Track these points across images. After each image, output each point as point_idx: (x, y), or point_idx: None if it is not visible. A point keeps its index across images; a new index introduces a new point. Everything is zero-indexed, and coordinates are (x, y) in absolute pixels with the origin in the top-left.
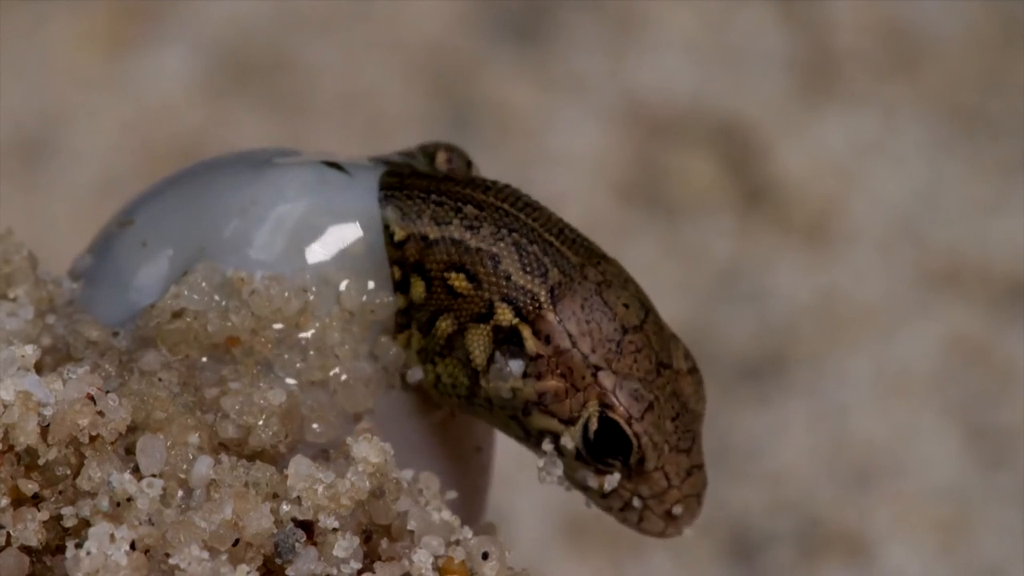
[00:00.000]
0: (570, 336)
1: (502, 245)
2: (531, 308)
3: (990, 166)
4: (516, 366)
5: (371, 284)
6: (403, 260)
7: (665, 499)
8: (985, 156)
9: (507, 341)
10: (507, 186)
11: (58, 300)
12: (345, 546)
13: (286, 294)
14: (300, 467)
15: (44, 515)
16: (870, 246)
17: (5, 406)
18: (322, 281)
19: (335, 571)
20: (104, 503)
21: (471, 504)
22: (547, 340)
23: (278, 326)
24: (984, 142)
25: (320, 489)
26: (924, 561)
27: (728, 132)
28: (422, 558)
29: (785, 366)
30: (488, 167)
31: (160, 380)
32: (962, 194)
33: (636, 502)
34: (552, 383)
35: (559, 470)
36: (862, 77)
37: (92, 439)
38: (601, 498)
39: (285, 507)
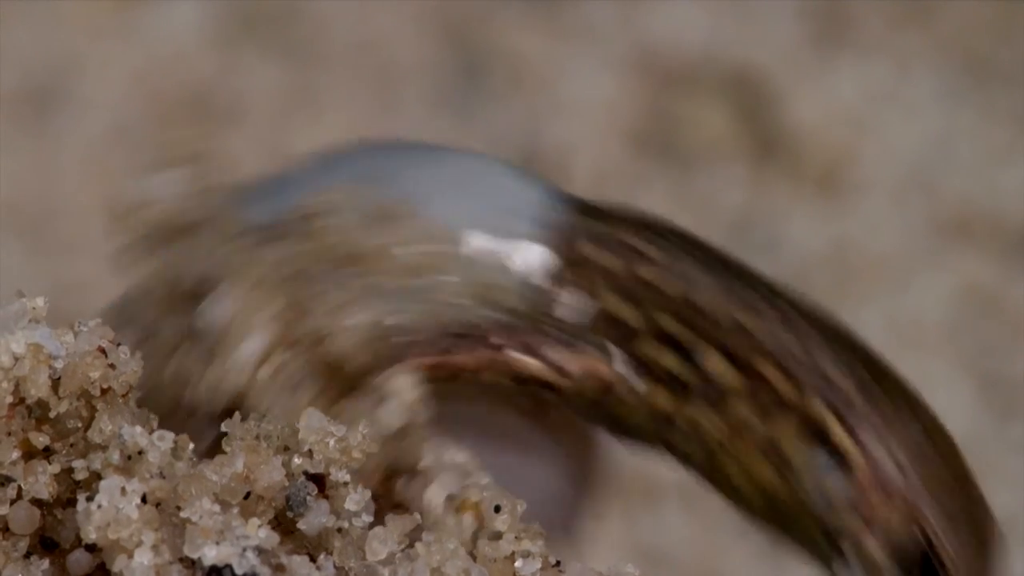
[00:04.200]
0: (880, 435)
1: (826, 354)
2: (846, 409)
3: (1004, 115)
4: (827, 466)
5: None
6: (712, 337)
7: None
8: (999, 105)
9: (818, 440)
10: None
11: None
12: (356, 499)
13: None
14: (312, 420)
15: (55, 468)
16: (883, 196)
17: (16, 359)
18: (466, 250)
19: (346, 524)
20: (115, 456)
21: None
22: (861, 445)
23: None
24: (998, 91)
25: (332, 442)
26: None
27: (740, 81)
28: (435, 495)
29: None
30: (499, 117)
31: None
32: (975, 143)
33: None
34: (864, 487)
35: None
36: (875, 26)
37: (103, 392)
38: None
39: (297, 460)
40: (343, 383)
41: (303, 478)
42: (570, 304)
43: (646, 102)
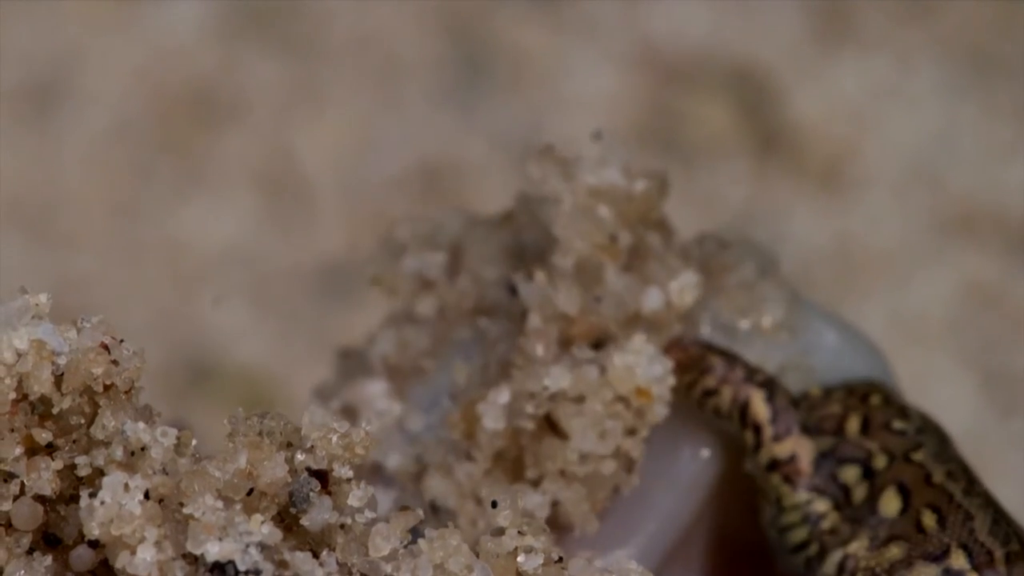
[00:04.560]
0: None
1: (980, 513)
2: (984, 559)
3: (1005, 110)
4: None
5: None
6: (894, 472)
7: None
8: (1001, 101)
9: None
10: None
11: None
12: (359, 495)
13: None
14: (315, 416)
15: (58, 464)
16: (885, 191)
17: (19, 355)
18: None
19: (349, 520)
20: (118, 452)
21: None
22: None
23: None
24: (999, 86)
25: (335, 439)
26: None
27: (743, 77)
28: None
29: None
30: (501, 111)
31: None
32: (977, 138)
33: None
34: None
35: None
36: (877, 21)
37: (106, 388)
38: None
39: (300, 456)
40: None
41: (306, 474)
42: (823, 408)
43: (648, 97)
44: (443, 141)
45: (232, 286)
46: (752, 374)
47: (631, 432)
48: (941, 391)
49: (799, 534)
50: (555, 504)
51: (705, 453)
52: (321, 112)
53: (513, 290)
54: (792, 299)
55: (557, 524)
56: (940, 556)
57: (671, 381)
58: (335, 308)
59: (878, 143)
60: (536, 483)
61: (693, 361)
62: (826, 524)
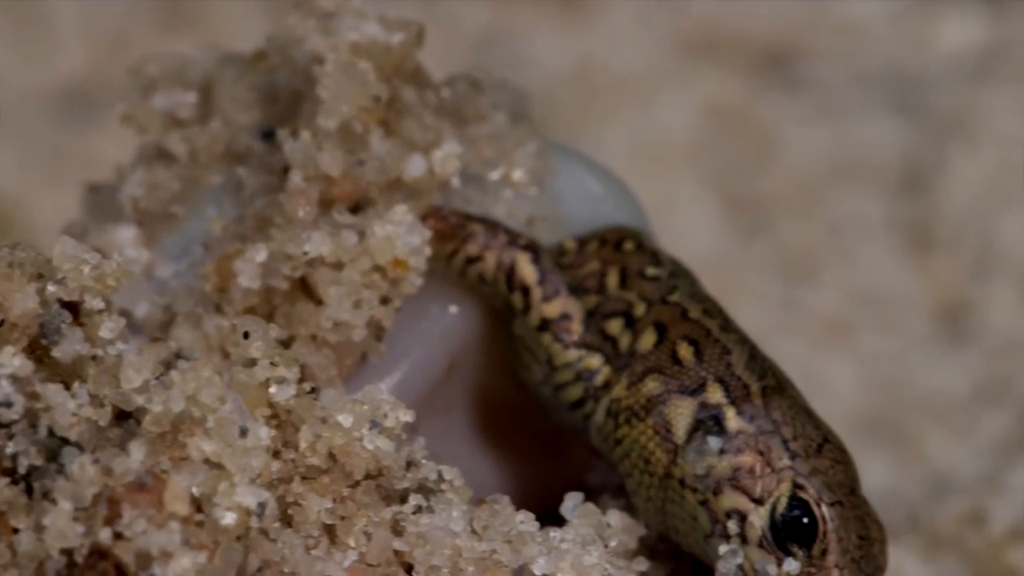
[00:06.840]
0: (774, 421)
1: (737, 348)
2: (741, 393)
3: None
4: (714, 443)
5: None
6: (653, 315)
7: None
8: None
9: (709, 419)
10: None
11: None
12: (111, 327)
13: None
14: (66, 247)
15: None
16: (627, 14)
17: None
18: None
19: (101, 352)
20: None
21: None
22: (751, 419)
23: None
24: None
25: (86, 270)
26: None
27: None
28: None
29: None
30: None
31: None
32: None
33: None
34: (748, 458)
35: (739, 559)
36: None
37: None
38: None
39: (51, 288)
40: None
41: (57, 305)
42: (583, 266)
43: None
44: None
45: None
46: (515, 238)
47: (384, 301)
48: (684, 214)
49: (574, 392)
50: (303, 367)
51: (453, 309)
52: None
53: (267, 136)
54: (543, 148)
55: None
56: (696, 390)
57: (427, 252)
58: (77, 131)
59: None
60: (286, 344)
61: (452, 230)
62: (599, 379)
